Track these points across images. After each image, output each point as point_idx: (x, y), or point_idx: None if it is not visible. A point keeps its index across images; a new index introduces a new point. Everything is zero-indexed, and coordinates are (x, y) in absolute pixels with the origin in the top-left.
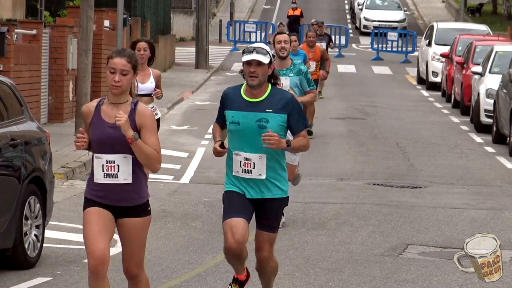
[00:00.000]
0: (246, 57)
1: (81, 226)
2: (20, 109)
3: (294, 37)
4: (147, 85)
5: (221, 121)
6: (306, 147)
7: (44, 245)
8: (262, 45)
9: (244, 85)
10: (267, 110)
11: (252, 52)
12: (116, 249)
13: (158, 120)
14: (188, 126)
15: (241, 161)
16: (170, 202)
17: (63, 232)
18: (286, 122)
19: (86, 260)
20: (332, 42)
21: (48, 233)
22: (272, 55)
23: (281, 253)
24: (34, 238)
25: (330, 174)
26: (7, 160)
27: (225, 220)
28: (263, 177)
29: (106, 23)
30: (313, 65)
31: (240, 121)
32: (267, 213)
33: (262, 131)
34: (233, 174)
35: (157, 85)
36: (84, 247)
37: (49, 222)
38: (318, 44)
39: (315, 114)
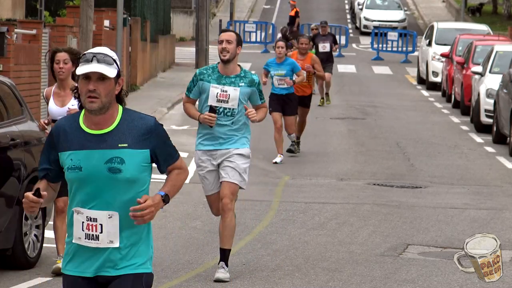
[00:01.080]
0: (83, 69)
1: None
2: (20, 109)
3: (281, 43)
4: (68, 108)
5: (52, 173)
6: (183, 181)
7: (44, 245)
8: (107, 50)
9: (83, 111)
10: (120, 145)
11: (91, 61)
12: None
13: None
14: (188, 126)
15: (83, 222)
16: (170, 202)
17: None
18: (150, 159)
19: None
20: (337, 44)
21: (48, 233)
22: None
23: (281, 253)
24: (34, 238)
25: (330, 174)
26: (7, 160)
27: None
28: (116, 244)
29: (106, 23)
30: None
31: (82, 164)
32: None
33: (114, 177)
34: (73, 241)
35: None
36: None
37: (49, 222)
38: (323, 44)
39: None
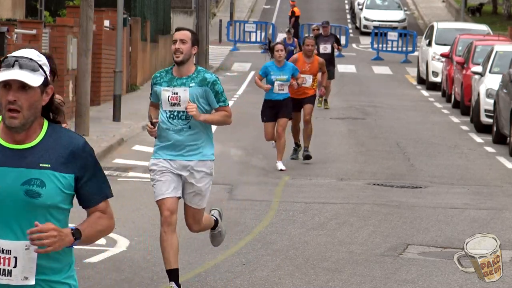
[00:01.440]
0: (2, 76)
1: None
2: None
3: (279, 46)
4: None
5: None
6: (104, 227)
7: None
8: (33, 53)
9: None
10: (41, 164)
11: (13, 66)
12: (116, 249)
13: None
14: None
15: None
16: None
17: None
18: (74, 187)
19: (86, 260)
20: (340, 45)
21: None
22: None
23: (281, 253)
24: None
25: (330, 174)
26: None
27: None
28: (32, 282)
29: (106, 23)
30: (309, 79)
31: None
32: None
33: (31, 202)
34: None
35: None
36: (84, 247)
37: None
38: (324, 45)
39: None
